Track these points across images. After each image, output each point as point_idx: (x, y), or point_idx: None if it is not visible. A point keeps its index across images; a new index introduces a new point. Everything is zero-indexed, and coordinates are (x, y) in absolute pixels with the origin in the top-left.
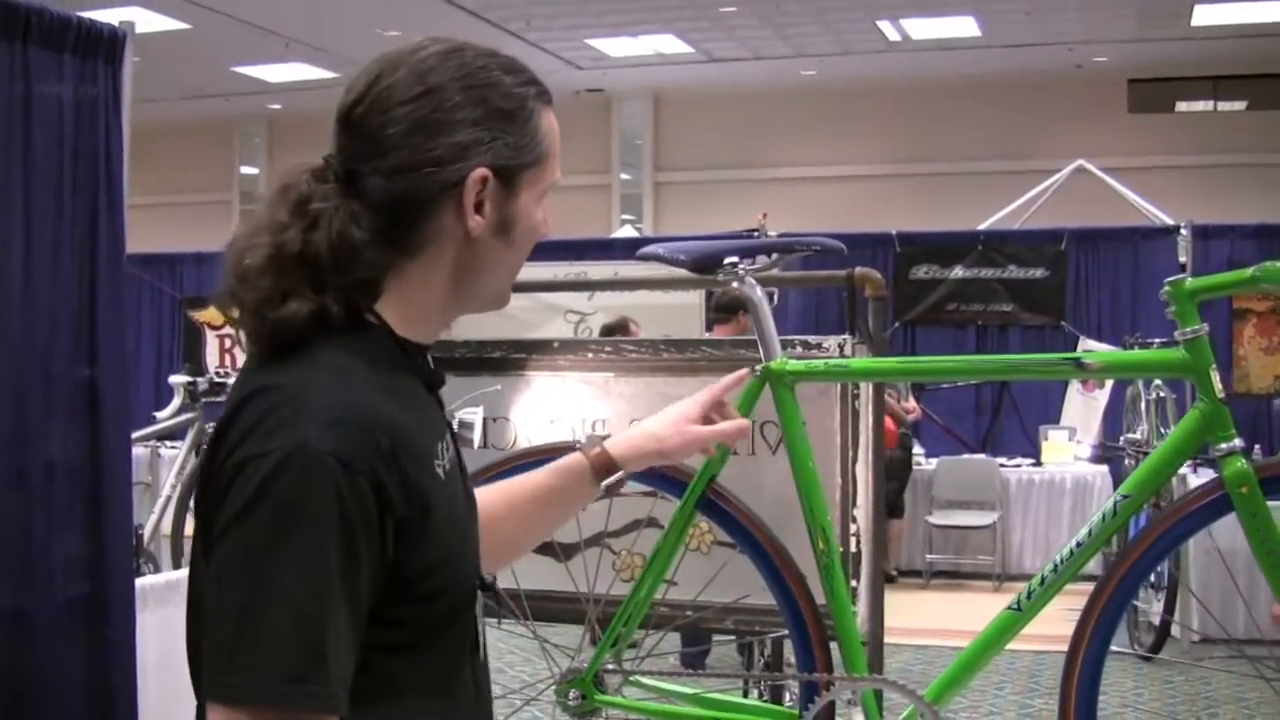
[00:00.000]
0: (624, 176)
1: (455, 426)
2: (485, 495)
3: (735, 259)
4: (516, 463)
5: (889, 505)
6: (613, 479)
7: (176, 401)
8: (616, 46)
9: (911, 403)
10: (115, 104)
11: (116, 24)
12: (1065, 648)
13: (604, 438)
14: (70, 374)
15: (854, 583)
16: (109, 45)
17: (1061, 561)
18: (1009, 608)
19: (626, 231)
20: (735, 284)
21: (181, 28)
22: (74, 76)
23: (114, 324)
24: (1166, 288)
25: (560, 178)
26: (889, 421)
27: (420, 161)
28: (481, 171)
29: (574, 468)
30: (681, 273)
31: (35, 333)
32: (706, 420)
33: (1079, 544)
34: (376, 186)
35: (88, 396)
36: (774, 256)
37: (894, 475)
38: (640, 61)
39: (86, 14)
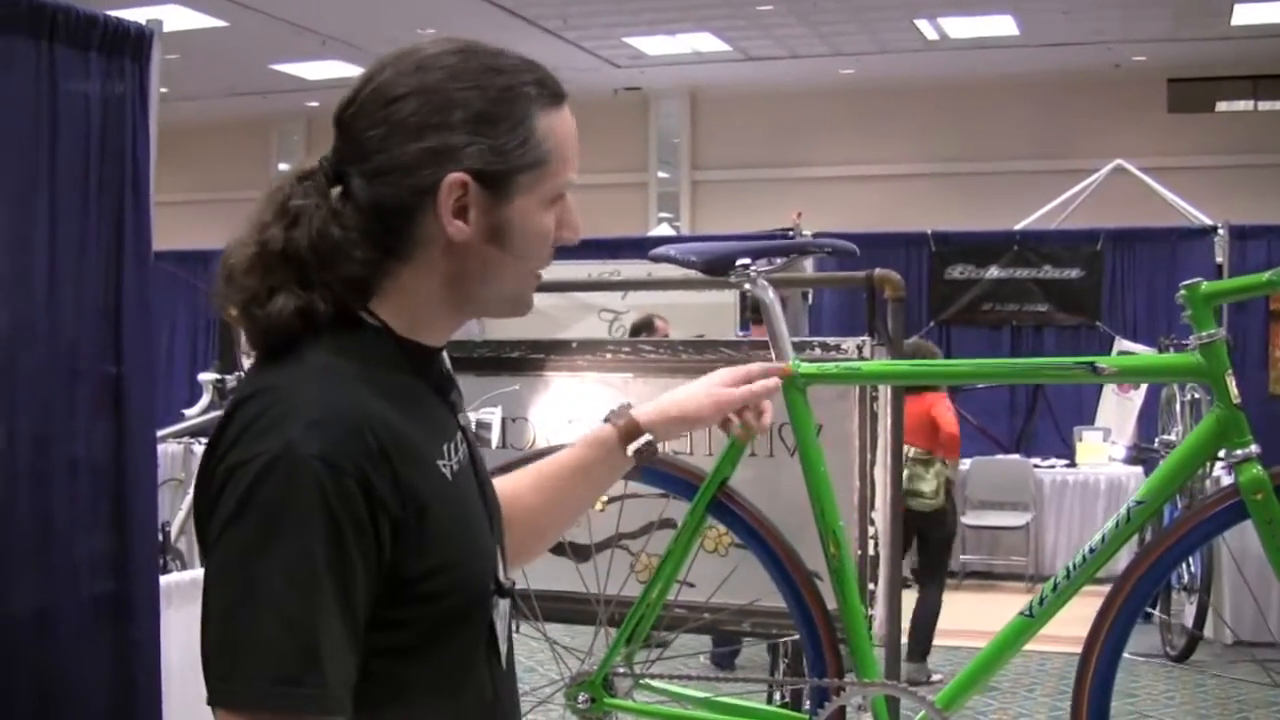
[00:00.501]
0: (661, 175)
1: (474, 426)
2: (513, 479)
3: (747, 260)
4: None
5: None
6: (640, 443)
7: (206, 399)
8: (654, 45)
9: None
10: (142, 102)
11: (144, 22)
12: None
13: (630, 406)
14: (96, 372)
15: (872, 586)
16: (136, 43)
17: (1075, 567)
18: (1021, 613)
19: (663, 230)
20: (747, 286)
21: (220, 25)
22: (100, 75)
23: (140, 322)
24: (1182, 291)
25: (574, 179)
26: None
27: (394, 166)
28: (456, 177)
29: (602, 438)
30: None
31: (60, 331)
32: None
33: (1092, 550)
34: (360, 189)
35: (113, 395)
36: (786, 259)
37: None
38: (677, 60)
39: (122, 12)
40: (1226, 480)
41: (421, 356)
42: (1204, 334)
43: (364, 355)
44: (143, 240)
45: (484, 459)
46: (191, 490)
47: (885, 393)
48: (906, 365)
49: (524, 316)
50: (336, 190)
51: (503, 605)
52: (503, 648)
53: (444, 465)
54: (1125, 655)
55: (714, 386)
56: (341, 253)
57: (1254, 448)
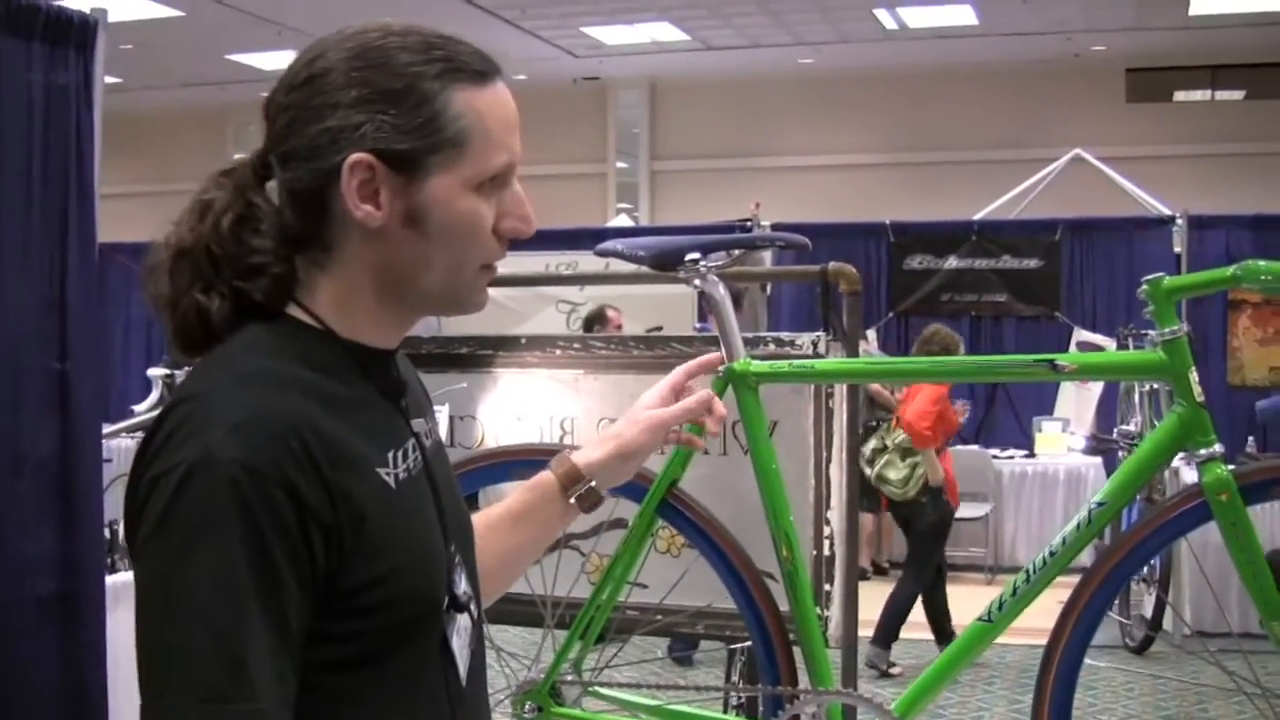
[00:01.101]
0: (620, 165)
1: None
2: None
3: (696, 255)
4: (484, 463)
5: (875, 497)
6: (581, 489)
7: (155, 394)
8: (612, 34)
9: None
10: (87, 93)
11: (89, 11)
12: None
13: (574, 450)
14: (41, 368)
15: (828, 587)
16: (80, 33)
17: (1034, 570)
18: (979, 619)
19: (622, 220)
20: (697, 281)
21: (176, 15)
22: (43, 65)
23: (86, 317)
24: (1145, 287)
25: (507, 162)
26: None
27: (300, 150)
28: (358, 157)
29: (543, 485)
30: None
31: (3, 328)
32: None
33: (1052, 553)
34: (278, 178)
35: (59, 391)
36: (736, 253)
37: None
38: (636, 50)
39: (74, 1)
40: (1188, 476)
41: (368, 359)
42: (1166, 330)
43: (304, 357)
44: (87, 235)
45: (449, 467)
46: None
47: (840, 389)
48: (862, 364)
49: (471, 312)
50: (271, 184)
51: (460, 620)
52: (462, 666)
53: (387, 473)
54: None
55: (645, 411)
56: (246, 246)
57: (1217, 447)
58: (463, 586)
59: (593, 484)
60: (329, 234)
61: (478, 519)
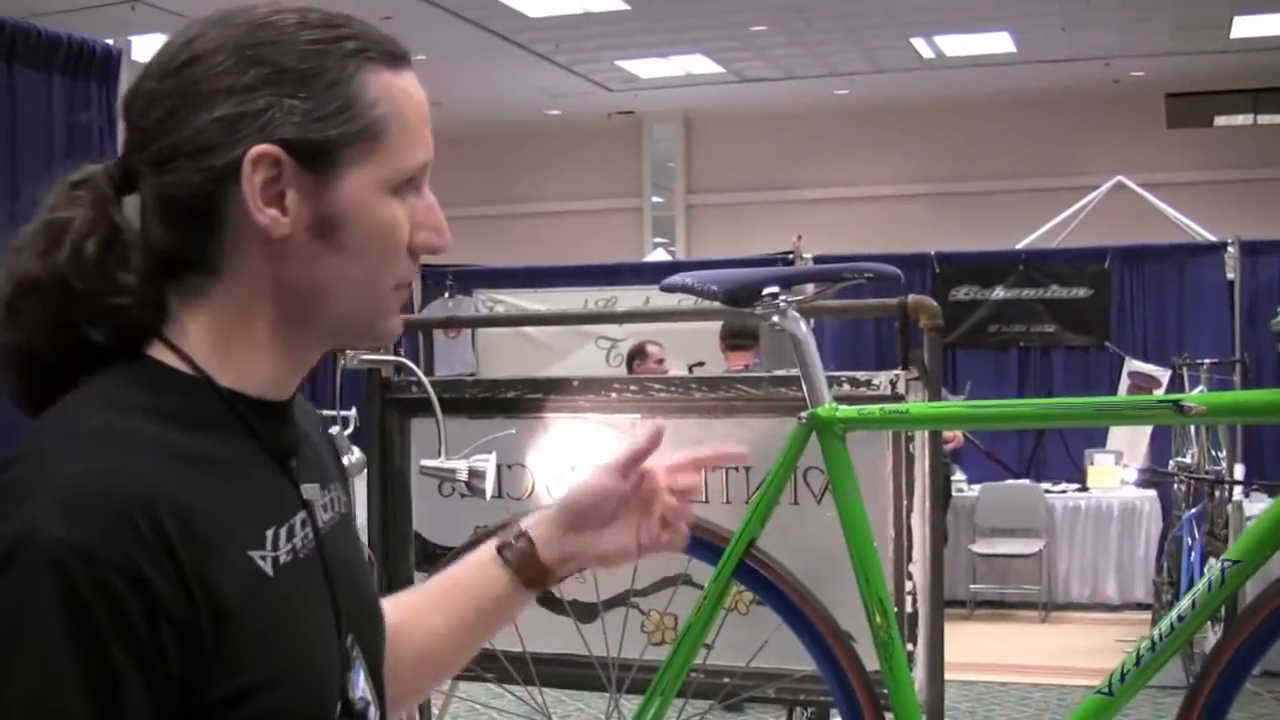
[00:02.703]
0: (655, 199)
1: (465, 475)
2: (409, 596)
3: (775, 289)
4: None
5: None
6: (511, 542)
7: None
8: (646, 68)
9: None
10: (110, 128)
11: (111, 42)
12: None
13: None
14: None
15: (910, 646)
16: (102, 65)
17: (1160, 638)
18: (1099, 691)
19: (659, 255)
20: (776, 318)
21: None
22: (64, 98)
23: None
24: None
25: (423, 161)
26: None
27: (181, 148)
28: (263, 149)
29: (480, 554)
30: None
31: None
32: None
33: (1180, 617)
34: (145, 185)
35: None
36: (821, 287)
37: None
38: (671, 83)
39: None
40: (1250, 508)
41: (253, 412)
42: None
43: (166, 411)
44: None
45: (355, 545)
46: None
47: (922, 434)
48: (964, 408)
49: (519, 340)
50: (131, 198)
51: None
52: None
53: (262, 556)
54: (1148, 686)
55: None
56: (112, 281)
57: None
58: (360, 689)
59: (525, 530)
60: (215, 252)
61: (421, 592)
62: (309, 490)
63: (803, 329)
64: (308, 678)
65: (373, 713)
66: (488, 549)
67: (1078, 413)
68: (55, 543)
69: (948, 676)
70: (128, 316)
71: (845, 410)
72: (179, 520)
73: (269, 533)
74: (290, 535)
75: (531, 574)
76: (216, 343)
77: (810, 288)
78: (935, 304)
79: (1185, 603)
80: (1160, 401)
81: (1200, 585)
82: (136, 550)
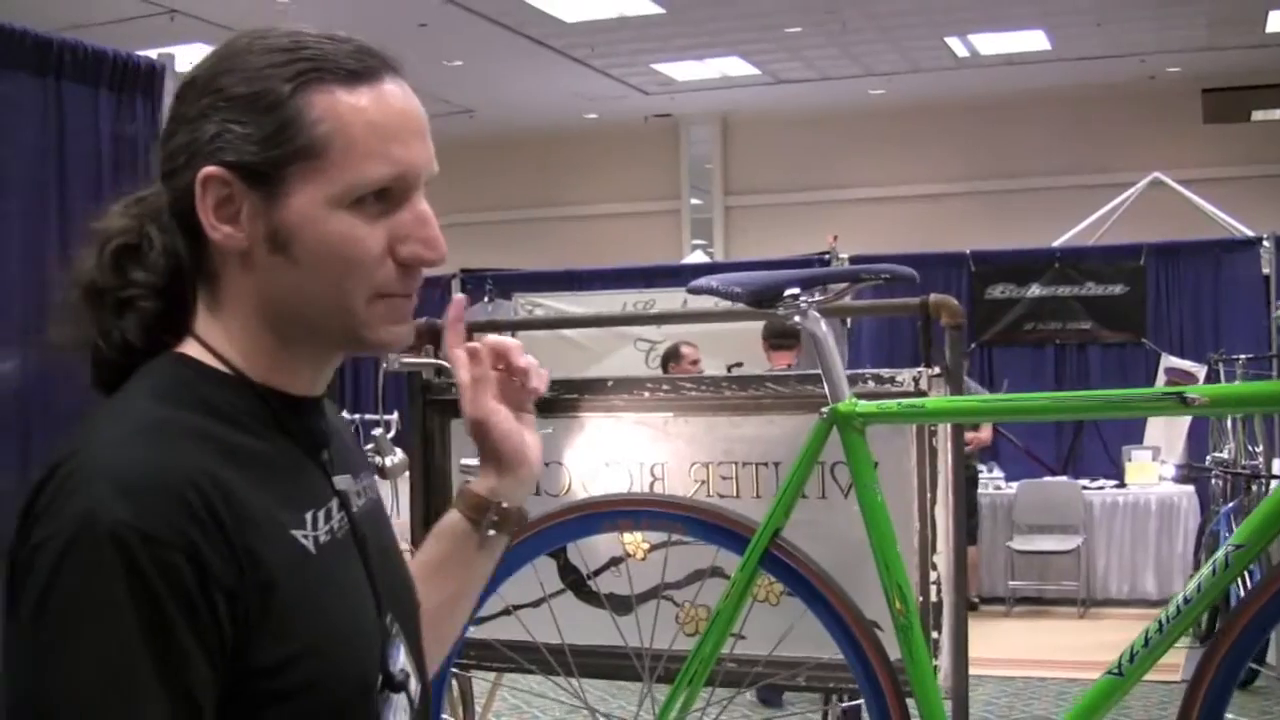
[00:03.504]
0: (694, 201)
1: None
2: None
3: (796, 290)
4: (572, 516)
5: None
6: (490, 515)
7: None
8: (683, 70)
9: (985, 431)
10: (155, 142)
11: (155, 56)
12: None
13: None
14: None
15: (935, 634)
16: (147, 79)
17: (1167, 620)
18: (1109, 672)
19: (697, 256)
20: (797, 317)
21: None
22: (110, 113)
23: None
24: None
25: (385, 175)
26: None
27: (166, 168)
28: (208, 171)
29: (453, 524)
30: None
31: (79, 374)
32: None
33: (1187, 599)
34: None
35: None
36: (839, 286)
37: None
38: (707, 85)
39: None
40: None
41: (287, 408)
42: None
43: (206, 405)
44: None
45: (388, 530)
46: None
47: (945, 427)
48: (977, 403)
49: (560, 341)
50: None
51: (397, 701)
52: None
53: (304, 535)
54: (1177, 680)
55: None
56: (124, 279)
57: None
58: (400, 663)
59: (504, 504)
60: (209, 264)
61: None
62: (341, 481)
63: (823, 328)
64: (349, 647)
65: (413, 684)
66: (447, 520)
67: (1088, 405)
68: (117, 522)
69: (987, 672)
70: (149, 313)
71: (865, 405)
72: (226, 500)
73: (308, 515)
74: (328, 518)
75: (479, 508)
76: (237, 343)
77: (831, 288)
78: (956, 303)
79: (1191, 585)
80: (1165, 394)
81: (1205, 569)
82: (190, 528)
